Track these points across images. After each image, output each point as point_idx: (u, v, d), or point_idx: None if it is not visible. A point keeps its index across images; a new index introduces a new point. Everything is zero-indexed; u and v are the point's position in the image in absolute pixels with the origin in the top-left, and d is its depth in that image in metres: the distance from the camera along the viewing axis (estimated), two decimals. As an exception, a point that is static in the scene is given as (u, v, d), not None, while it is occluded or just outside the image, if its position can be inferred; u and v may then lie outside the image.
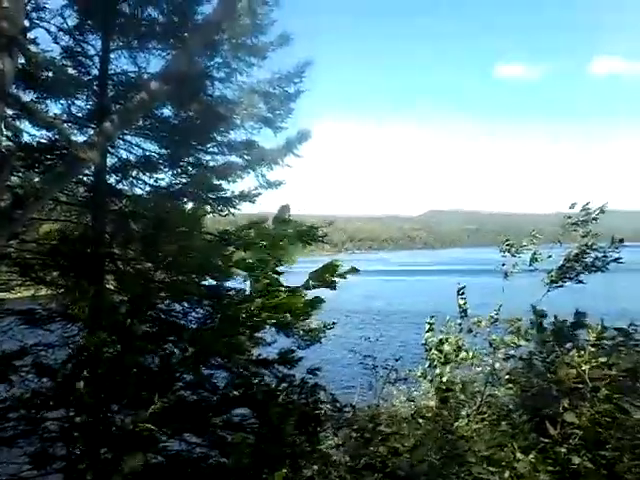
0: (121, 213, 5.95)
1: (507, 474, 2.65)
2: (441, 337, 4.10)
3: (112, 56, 5.75)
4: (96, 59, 5.70)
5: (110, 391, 4.31)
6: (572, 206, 3.99)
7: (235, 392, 5.44)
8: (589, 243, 3.90)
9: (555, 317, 3.61)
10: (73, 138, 4.05)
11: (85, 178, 5.91)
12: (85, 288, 5.02)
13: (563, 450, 2.62)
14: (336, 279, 4.80)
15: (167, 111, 6.01)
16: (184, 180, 6.07)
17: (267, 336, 5.81)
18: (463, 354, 3.91)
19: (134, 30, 5.65)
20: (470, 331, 4.20)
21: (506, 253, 4.35)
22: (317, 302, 5.77)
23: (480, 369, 3.97)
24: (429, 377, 3.95)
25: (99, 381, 4.24)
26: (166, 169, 6.00)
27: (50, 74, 5.23)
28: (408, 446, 3.21)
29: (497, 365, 3.93)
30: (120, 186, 6.05)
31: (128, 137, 5.98)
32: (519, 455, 2.66)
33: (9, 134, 4.91)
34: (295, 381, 5.60)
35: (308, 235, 6.29)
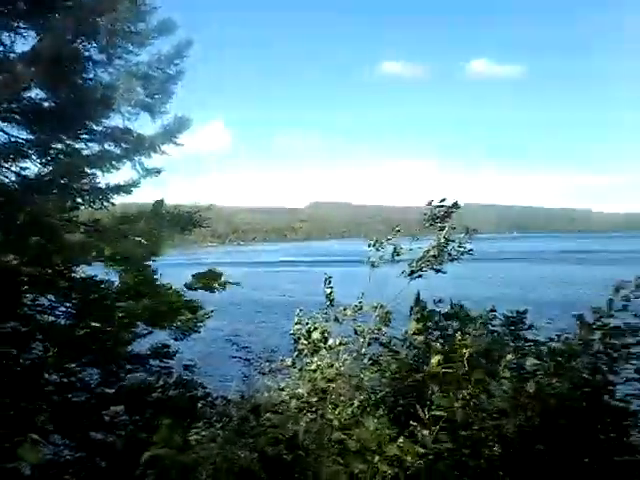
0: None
1: (377, 459, 2.76)
2: (309, 326, 4.22)
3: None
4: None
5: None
6: (429, 203, 4.25)
7: (108, 390, 5.29)
8: (447, 236, 4.22)
9: (422, 303, 3.78)
10: None
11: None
12: None
13: (428, 433, 2.75)
14: (216, 285, 4.88)
15: (37, 94, 5.48)
16: (54, 169, 5.62)
17: (141, 330, 5.65)
18: (331, 341, 4.14)
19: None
20: (336, 319, 4.34)
21: (371, 247, 4.50)
22: (195, 307, 5.81)
23: (347, 356, 4.11)
24: (298, 366, 4.14)
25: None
26: (34, 157, 5.49)
27: None
28: (286, 435, 3.20)
29: (363, 351, 4.06)
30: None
31: (-8, 122, 5.38)
32: (388, 440, 2.79)
33: None
34: (171, 377, 5.60)
35: (186, 221, 6.17)
